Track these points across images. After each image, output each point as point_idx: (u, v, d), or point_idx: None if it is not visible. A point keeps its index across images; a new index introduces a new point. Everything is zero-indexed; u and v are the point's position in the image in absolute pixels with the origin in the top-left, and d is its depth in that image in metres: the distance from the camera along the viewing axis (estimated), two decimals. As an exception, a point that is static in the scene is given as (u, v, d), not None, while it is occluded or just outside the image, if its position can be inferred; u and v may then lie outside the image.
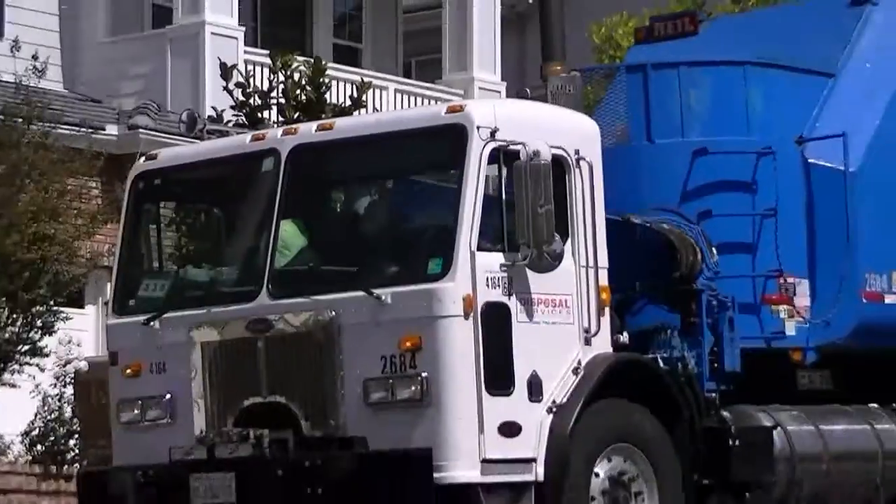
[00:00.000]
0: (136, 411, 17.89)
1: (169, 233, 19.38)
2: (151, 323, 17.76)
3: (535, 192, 16.48)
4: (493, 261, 16.70)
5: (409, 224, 18.26)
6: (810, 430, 19.72)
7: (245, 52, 32.82)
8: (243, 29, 33.71)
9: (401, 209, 18.61)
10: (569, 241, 17.43)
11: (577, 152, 17.88)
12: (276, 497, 16.72)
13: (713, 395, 19.03)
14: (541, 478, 16.69)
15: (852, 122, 20.03)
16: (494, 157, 16.78)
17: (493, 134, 16.86)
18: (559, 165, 17.50)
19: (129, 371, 18.01)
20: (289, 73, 30.40)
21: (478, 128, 16.83)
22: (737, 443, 18.72)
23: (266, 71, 31.21)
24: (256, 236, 17.89)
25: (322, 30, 36.79)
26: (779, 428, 19.34)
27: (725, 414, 19.07)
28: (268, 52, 32.52)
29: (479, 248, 16.54)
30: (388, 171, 18.62)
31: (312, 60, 31.69)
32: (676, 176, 19.46)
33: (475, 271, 16.50)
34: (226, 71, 31.09)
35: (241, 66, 31.12)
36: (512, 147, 16.89)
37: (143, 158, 19.75)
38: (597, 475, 17.26)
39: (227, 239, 19.14)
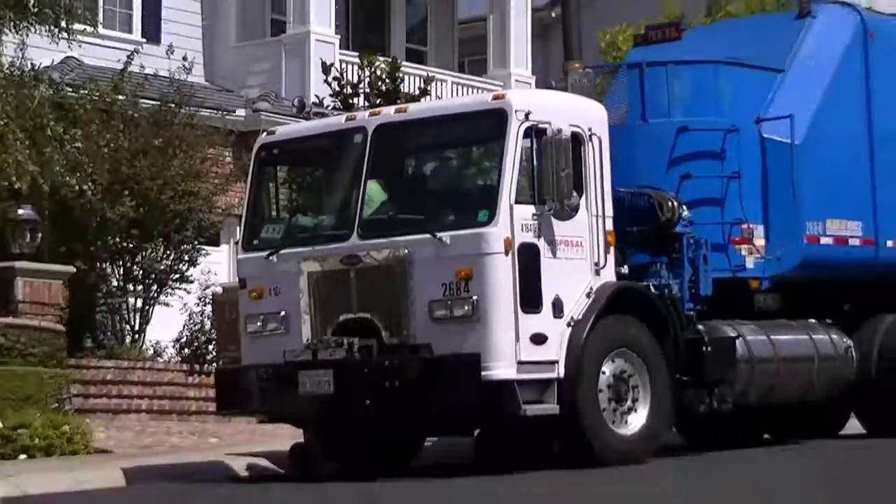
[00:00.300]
0: (258, 324, 18.50)
1: (283, 189, 19.82)
2: (271, 257, 18.39)
3: (557, 160, 17.22)
4: (526, 212, 17.34)
5: (463, 183, 18.99)
6: (764, 339, 20.28)
7: (340, 53, 32.95)
8: (338, 37, 34.13)
9: (457, 172, 19.38)
10: (583, 196, 18.05)
11: (589, 130, 18.46)
12: (363, 389, 17.18)
13: (691, 313, 19.60)
14: (561, 375, 17.36)
15: (797, 107, 20.54)
16: (528, 133, 17.42)
17: (526, 116, 17.52)
18: (576, 139, 18.06)
19: (253, 294, 18.64)
20: (372, 69, 30.61)
21: (515, 111, 17.51)
22: (708, 349, 19.33)
23: (355, 68, 31.22)
24: (349, 192, 18.52)
25: (397, 36, 37.06)
26: (740, 338, 19.92)
27: (700, 327, 19.58)
28: (357, 53, 32.60)
29: (516, 202, 17.19)
30: (447, 143, 19.38)
31: (390, 60, 31.79)
32: (665, 147, 20.07)
33: (513, 220, 17.15)
34: (325, 68, 31.08)
35: (337, 65, 31.30)
36: (541, 125, 17.51)
37: (264, 134, 20.16)
38: (604, 373, 17.84)
39: (326, 194, 19.80)
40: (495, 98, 18.92)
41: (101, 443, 21.80)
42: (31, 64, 24.22)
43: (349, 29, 35.79)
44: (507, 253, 17.11)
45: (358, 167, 18.43)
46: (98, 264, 27.78)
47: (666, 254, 20.01)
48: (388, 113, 19.63)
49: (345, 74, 31.02)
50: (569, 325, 17.68)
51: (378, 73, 30.72)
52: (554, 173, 17.37)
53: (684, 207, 19.85)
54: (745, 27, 25.28)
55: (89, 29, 29.42)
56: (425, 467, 19.41)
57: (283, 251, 18.50)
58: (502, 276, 17.11)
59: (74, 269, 26.84)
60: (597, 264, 18.23)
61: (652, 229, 19.84)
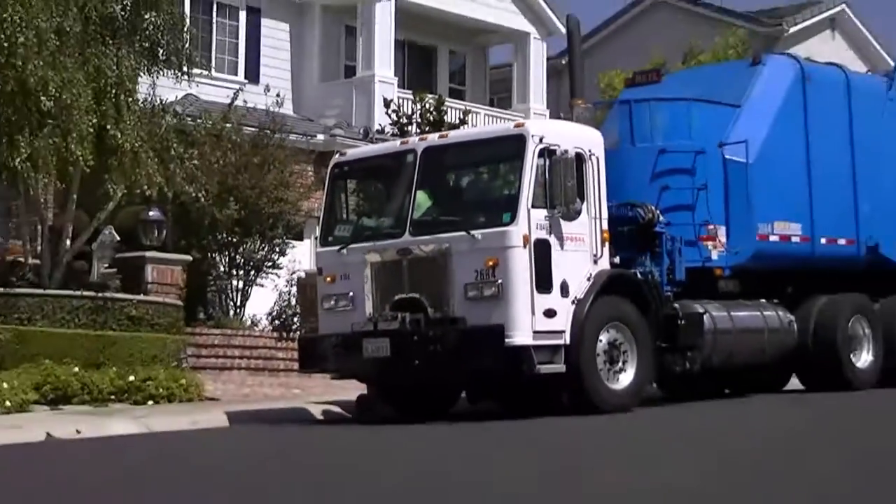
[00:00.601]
0: (332, 302, 18.71)
1: (351, 198, 19.86)
2: (342, 251, 18.63)
3: (564, 174, 17.64)
4: (540, 214, 17.62)
5: (491, 192, 19.29)
6: (725, 314, 20.45)
7: (398, 92, 32.84)
8: (396, 78, 34.04)
9: (486, 183, 19.74)
10: (584, 202, 18.29)
11: (590, 151, 18.71)
12: (413, 353, 17.47)
13: (669, 294, 19.84)
14: (568, 342, 17.65)
15: (750, 134, 20.82)
16: (541, 153, 17.75)
17: (541, 140, 17.85)
18: (579, 158, 18.34)
19: (328, 279, 18.84)
20: (422, 104, 30.69)
21: (532, 136, 17.87)
22: (682, 322, 19.51)
23: (409, 103, 31.33)
24: (402, 200, 18.74)
25: (442, 78, 36.79)
26: (707, 313, 20.06)
27: (676, 305, 19.73)
28: (410, 91, 32.72)
29: (532, 207, 17.51)
30: (478, 161, 19.55)
31: (437, 97, 31.72)
32: (649, 165, 20.38)
33: (530, 220, 17.46)
34: (386, 103, 31.23)
35: (395, 100, 31.36)
36: (552, 147, 17.83)
37: (337, 154, 20.48)
38: (600, 341, 18.05)
39: (385, 201, 19.93)
40: (516, 126, 19.15)
41: (209, 393, 21.92)
42: (160, 99, 24.35)
43: (405, 72, 35.62)
44: (524, 246, 17.40)
45: (409, 180, 18.69)
46: (209, 254, 27.85)
47: (649, 248, 20.14)
48: (433, 138, 20.18)
49: (401, 108, 31.03)
50: (573, 302, 17.91)
51: (427, 107, 30.76)
52: (562, 184, 17.74)
53: (661, 214, 20.04)
54: (712, 72, 25.65)
55: (204, 72, 29.72)
56: (461, 413, 19.51)
57: (351, 246, 18.70)
58: (521, 265, 17.37)
59: (191, 258, 26.91)
60: (595, 256, 18.45)
61: (637, 229, 19.97)
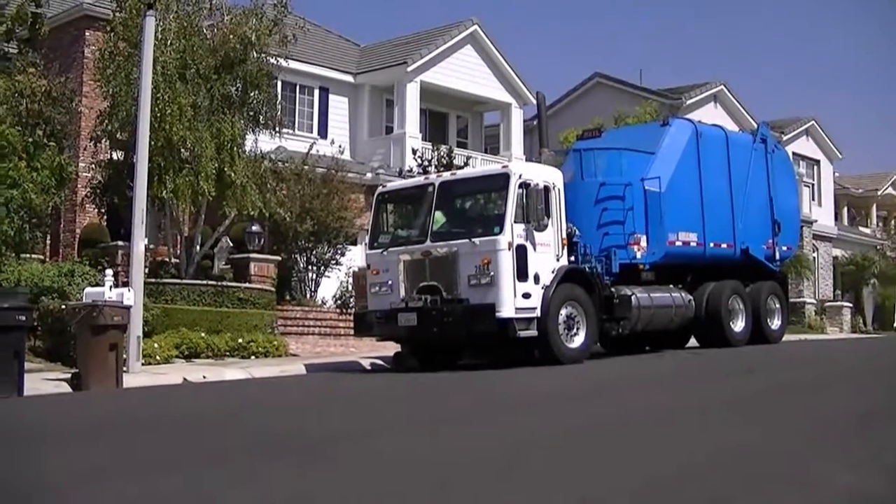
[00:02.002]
0: (377, 288, 18.64)
1: (390, 216, 19.85)
2: (383, 252, 18.61)
3: (536, 200, 17.88)
4: (520, 227, 17.67)
5: (487, 212, 18.94)
6: (646, 295, 20.56)
7: (421, 143, 32.66)
8: (421, 134, 34.04)
9: (483, 206, 19.38)
10: (551, 219, 18.31)
11: (554, 184, 18.83)
12: (432, 323, 17.57)
13: (608, 281, 19.83)
14: (539, 315, 17.73)
15: (662, 172, 21.02)
16: (521, 186, 17.83)
17: (520, 176, 18.00)
18: (547, 189, 18.42)
19: (374, 272, 18.80)
20: (438, 152, 30.47)
21: (514, 174, 18.02)
22: (616, 301, 19.71)
23: (429, 151, 31.04)
24: (425, 217, 18.60)
25: (451, 134, 36.83)
26: (634, 294, 20.17)
27: (613, 290, 19.81)
28: (430, 143, 32.66)
29: (515, 222, 17.57)
30: (478, 190, 19.46)
31: (448, 147, 31.54)
32: (593, 194, 20.50)
33: (513, 232, 17.51)
34: (413, 151, 31.17)
35: (420, 150, 31.16)
36: (528, 181, 17.98)
37: (381, 187, 20.55)
38: (561, 314, 18.11)
39: (413, 218, 19.46)
40: (503, 167, 19.12)
41: (293, 351, 22.05)
42: (260, 150, 24.44)
43: (426, 130, 35.48)
44: (509, 250, 17.45)
45: (430, 204, 18.62)
46: (292, 255, 27.71)
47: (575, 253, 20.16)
48: (447, 175, 20.07)
49: (423, 155, 30.73)
50: (542, 288, 17.95)
51: (441, 154, 30.47)
52: (534, 207, 17.88)
53: (578, 231, 19.97)
54: (636, 130, 25.60)
55: (290, 131, 29.71)
56: (466, 365, 19.56)
57: (390, 249, 18.68)
58: (506, 262, 17.41)
59: (280, 258, 26.63)
60: (557, 256, 18.49)
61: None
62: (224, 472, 7.29)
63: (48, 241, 26.73)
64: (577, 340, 18.72)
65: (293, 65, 28.50)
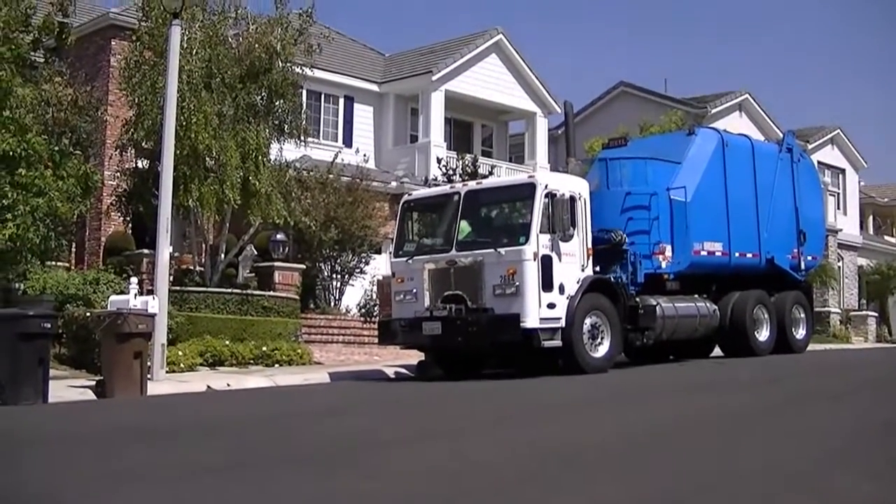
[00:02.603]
0: (402, 296, 18.58)
1: (415, 224, 19.82)
2: (408, 260, 18.53)
3: (562, 210, 17.82)
4: (545, 237, 17.58)
5: (512, 222, 18.91)
6: (671, 305, 20.53)
7: (446, 153, 32.66)
8: (445, 143, 34.05)
9: (508, 216, 19.31)
10: (576, 229, 18.22)
11: (580, 194, 18.73)
12: (457, 332, 17.47)
13: (633, 291, 19.85)
14: (563, 325, 17.65)
15: (688, 182, 21.11)
16: (546, 196, 17.70)
17: (546, 186, 17.88)
18: (573, 199, 18.37)
19: (399, 280, 18.74)
20: (463, 161, 30.29)
21: (540, 184, 17.91)
22: (641, 311, 19.68)
23: (454, 160, 30.89)
24: (450, 226, 18.57)
25: (476, 143, 36.80)
26: (659, 304, 20.15)
27: (638, 299, 19.76)
28: (455, 152, 32.59)
29: (540, 232, 17.47)
30: (503, 200, 19.37)
31: (473, 156, 31.55)
32: (619, 203, 20.47)
33: (538, 242, 17.42)
34: (438, 161, 30.99)
35: (444, 159, 31.04)
36: (553, 191, 17.87)
37: (406, 195, 20.54)
38: (585, 323, 18.02)
39: (438, 227, 19.47)
40: (529, 177, 19.13)
41: (317, 359, 21.90)
42: (285, 159, 24.30)
43: (451, 139, 35.50)
44: (534, 260, 17.35)
45: (455, 213, 18.58)
46: (317, 264, 27.74)
47: (619, 260, 20.15)
48: (472, 184, 20.12)
49: (448, 164, 30.61)
50: (567, 298, 17.85)
51: (466, 163, 30.32)
52: (560, 217, 17.80)
53: (626, 237, 20.13)
54: (662, 140, 25.67)
55: (315, 140, 29.66)
56: (490, 374, 19.55)
57: (415, 257, 18.60)
58: (532, 272, 17.32)
59: (304, 266, 26.75)
60: (583, 266, 18.39)
61: (611, 247, 19.95)
62: (246, 478, 7.26)
63: (73, 249, 26.82)
64: (602, 350, 18.61)
65: (318, 74, 28.51)
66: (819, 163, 49.03)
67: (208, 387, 16.80)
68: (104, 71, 27.77)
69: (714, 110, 41.69)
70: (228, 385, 17.22)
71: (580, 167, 21.79)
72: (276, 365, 20.83)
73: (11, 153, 18.60)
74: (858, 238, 51.48)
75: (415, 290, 18.58)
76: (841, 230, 48.21)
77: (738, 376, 18.22)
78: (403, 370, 20.79)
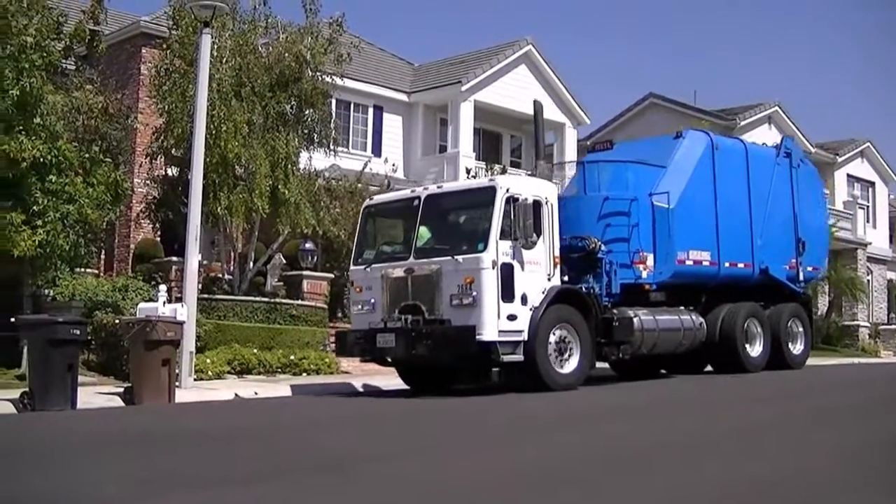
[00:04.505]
0: (359, 307, 17.25)
1: (377, 231, 18.81)
2: (366, 268, 17.20)
3: (524, 215, 16.24)
4: (506, 245, 16.18)
5: (472, 228, 17.35)
6: (651, 318, 18.81)
7: (475, 163, 32.05)
8: (474, 153, 33.13)
9: (469, 221, 17.77)
10: (541, 236, 16.85)
11: (546, 199, 17.18)
12: (411, 344, 16.14)
13: (607, 302, 18.28)
14: (526, 338, 16.28)
15: (672, 187, 19.39)
16: (508, 200, 16.32)
17: (507, 190, 16.38)
18: (538, 204, 16.83)
19: (357, 289, 17.43)
20: (492, 172, 29.70)
21: (500, 187, 16.40)
22: (616, 323, 18.00)
23: (482, 171, 30.54)
24: (410, 233, 17.22)
25: (505, 154, 35.65)
26: (637, 317, 18.50)
27: (615, 311, 18.23)
28: (484, 163, 32.09)
29: (500, 239, 16.13)
30: (464, 205, 17.88)
31: (501, 166, 31.45)
32: (597, 208, 18.83)
33: (498, 249, 16.04)
34: (467, 171, 30.36)
35: (473, 169, 30.66)
36: (515, 195, 16.37)
37: (369, 199, 19.39)
38: (552, 337, 16.68)
39: (398, 233, 18.39)
40: (490, 180, 17.58)
41: (344, 368, 21.34)
42: (314, 168, 24.28)
43: (480, 150, 34.36)
44: (493, 268, 16.02)
45: (415, 218, 17.22)
46: (345, 273, 27.73)
47: (592, 269, 18.62)
48: (433, 188, 18.36)
49: (477, 175, 29.66)
50: (531, 309, 16.46)
51: (495, 173, 29.20)
52: (521, 223, 16.36)
53: (603, 244, 18.64)
54: (649, 143, 23.05)
55: (344, 149, 28.58)
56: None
57: (373, 265, 17.28)
58: (490, 282, 15.98)
59: (333, 276, 26.09)
60: (549, 275, 16.97)
61: (585, 255, 18.54)
62: (271, 487, 7.18)
63: (103, 256, 26.49)
64: (570, 366, 17.15)
65: (348, 83, 27.95)
66: (848, 176, 46.86)
67: (236, 395, 16.41)
68: (134, 79, 27.51)
69: (743, 122, 40.01)
70: (256, 393, 16.85)
71: (551, 171, 20.04)
72: (304, 374, 20.39)
73: (42, 160, 18.46)
74: (888, 251, 49.27)
75: (373, 300, 17.22)
76: (870, 243, 46.10)
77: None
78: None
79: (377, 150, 33.19)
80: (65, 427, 12.37)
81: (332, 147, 24.70)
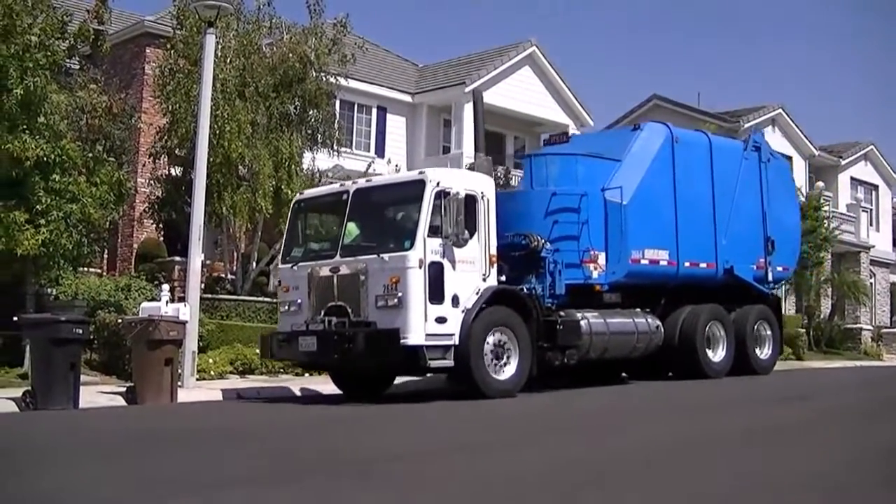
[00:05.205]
0: (286, 307, 16.23)
1: (306, 227, 17.88)
2: (293, 267, 16.16)
3: (456, 210, 15.07)
4: (435, 242, 15.04)
5: (400, 224, 16.30)
6: (601, 321, 17.41)
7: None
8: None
9: (397, 217, 16.72)
10: (476, 233, 15.79)
11: (482, 193, 16.00)
12: (332, 348, 15.13)
13: (550, 304, 17.05)
14: (457, 343, 15.07)
15: (627, 181, 17.95)
16: (438, 195, 15.18)
17: (438, 184, 15.25)
18: (472, 199, 15.77)
19: (284, 289, 16.39)
20: (496, 173, 30.08)
21: (430, 180, 15.29)
22: (561, 327, 16.63)
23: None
24: (338, 229, 16.25)
25: (509, 155, 35.20)
26: (585, 320, 17.19)
27: (562, 313, 17.00)
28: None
29: (429, 236, 15.02)
30: (392, 199, 16.75)
31: (505, 168, 30.62)
32: (544, 204, 17.53)
33: (426, 247, 14.91)
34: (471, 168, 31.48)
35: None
36: (446, 189, 15.17)
37: (298, 194, 18.42)
38: (487, 341, 15.50)
39: (327, 229, 17.43)
40: (420, 173, 16.29)
41: None
42: (318, 168, 23.98)
43: (484, 151, 35.92)
44: (420, 267, 14.86)
45: (343, 213, 16.18)
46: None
47: (535, 269, 17.36)
48: (362, 181, 17.16)
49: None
50: (463, 311, 15.19)
51: (499, 174, 27.62)
52: (453, 219, 15.15)
53: (547, 242, 17.43)
54: (607, 136, 22.34)
55: (347, 150, 27.74)
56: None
57: (300, 263, 16.12)
58: (416, 282, 14.82)
59: None
60: (484, 275, 15.66)
61: (527, 254, 17.34)
62: (277, 487, 7.05)
63: (106, 256, 25.78)
64: (508, 371, 15.79)
65: (352, 84, 27.17)
66: (852, 179, 44.91)
67: (238, 395, 15.84)
68: (138, 78, 26.89)
69: (747, 124, 38.29)
70: (259, 393, 16.33)
71: (489, 162, 18.68)
72: (307, 374, 19.42)
73: (46, 159, 17.72)
74: (891, 254, 47.67)
75: (300, 300, 16.01)
76: (874, 247, 44.52)
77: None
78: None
79: (381, 151, 32.39)
80: (67, 426, 11.82)
81: (335, 147, 23.96)
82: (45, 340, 13.86)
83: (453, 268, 15.30)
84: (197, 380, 16.44)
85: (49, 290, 19.50)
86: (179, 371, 15.53)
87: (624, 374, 19.98)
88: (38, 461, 8.48)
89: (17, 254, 17.89)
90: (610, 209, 18.09)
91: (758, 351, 20.96)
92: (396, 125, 33.42)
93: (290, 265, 16.29)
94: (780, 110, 41.79)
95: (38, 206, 17.95)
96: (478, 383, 15.26)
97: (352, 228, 16.25)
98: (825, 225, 36.88)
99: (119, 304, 19.39)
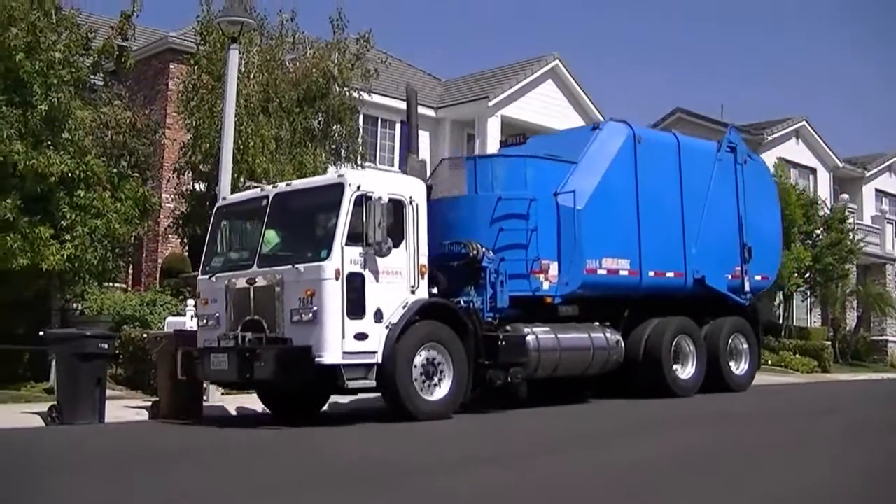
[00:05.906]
0: (205, 321, 15.10)
1: (227, 234, 16.80)
2: (211, 278, 15.08)
3: (377, 217, 13.63)
4: (355, 251, 13.72)
5: (317, 231, 15.02)
6: (552, 336, 15.97)
7: None
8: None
9: (316, 224, 15.29)
10: (403, 241, 14.49)
11: (410, 197, 14.65)
12: (245, 367, 14.01)
13: (491, 319, 15.76)
14: (380, 361, 13.72)
15: (582, 185, 16.38)
16: (358, 200, 13.85)
17: (358, 187, 13.88)
18: (399, 204, 14.48)
19: (203, 302, 15.27)
20: None
21: (350, 184, 13.96)
22: (503, 343, 15.27)
23: None
24: (257, 236, 15.12)
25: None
26: (532, 335, 15.78)
27: (508, 328, 15.84)
28: None
29: (347, 244, 13.67)
30: (312, 204, 15.36)
31: None
32: (489, 210, 16.08)
33: (343, 256, 13.58)
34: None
35: None
36: (368, 194, 13.77)
37: (221, 199, 17.48)
38: (417, 359, 14.25)
39: (247, 237, 16.30)
40: (339, 175, 15.07)
41: None
42: None
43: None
44: (337, 279, 13.51)
45: (262, 220, 14.99)
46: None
47: (474, 280, 15.90)
48: (282, 185, 16.00)
49: None
50: (387, 327, 13.86)
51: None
52: (374, 226, 13.72)
53: (490, 251, 15.99)
54: (565, 136, 20.91)
55: (370, 164, 26.86)
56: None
57: (218, 275, 14.95)
58: (333, 295, 13.48)
59: None
60: (413, 287, 14.33)
61: (466, 264, 15.95)
62: (303, 500, 7.00)
63: (131, 271, 25.14)
64: (441, 392, 14.40)
65: (375, 98, 26.46)
66: (877, 190, 42.24)
67: (263, 408, 15.18)
68: (162, 94, 26.28)
69: (770, 137, 37.01)
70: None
71: (423, 165, 17.51)
72: None
73: (71, 175, 17.13)
74: None
75: (217, 314, 14.71)
76: None
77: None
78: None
79: (404, 165, 33.28)
80: (93, 441, 11.37)
81: (359, 162, 23.06)
82: (71, 355, 13.34)
83: (376, 279, 13.96)
84: (222, 394, 15.93)
85: (74, 306, 19.25)
86: (205, 386, 15.29)
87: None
88: (65, 476, 8.31)
89: (43, 269, 17.61)
90: (563, 215, 16.55)
91: (732, 366, 19.14)
92: (420, 139, 33.47)
93: (208, 276, 14.99)
94: (804, 122, 40.66)
95: (63, 222, 17.78)
96: (405, 404, 13.87)
97: (271, 236, 15.08)
98: (850, 237, 36.30)
99: (144, 318, 18.75)
